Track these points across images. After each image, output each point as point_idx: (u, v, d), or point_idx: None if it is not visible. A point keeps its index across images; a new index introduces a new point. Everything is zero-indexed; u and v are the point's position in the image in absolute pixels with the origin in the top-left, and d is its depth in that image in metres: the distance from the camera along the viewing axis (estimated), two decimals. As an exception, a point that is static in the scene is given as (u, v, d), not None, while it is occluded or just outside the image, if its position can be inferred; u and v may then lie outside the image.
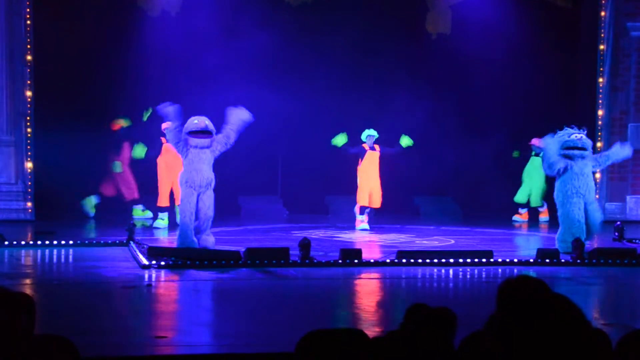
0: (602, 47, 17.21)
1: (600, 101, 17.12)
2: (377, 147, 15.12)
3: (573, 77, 17.80)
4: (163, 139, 14.59)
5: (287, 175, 17.77)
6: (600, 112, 17.13)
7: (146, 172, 14.90)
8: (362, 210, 15.10)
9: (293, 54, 16.75)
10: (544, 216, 16.64)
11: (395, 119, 15.72)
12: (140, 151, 15.03)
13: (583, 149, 11.82)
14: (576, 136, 11.86)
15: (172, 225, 14.43)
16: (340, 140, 14.97)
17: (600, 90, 17.19)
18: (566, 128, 12.02)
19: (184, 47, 16.32)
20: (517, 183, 16.62)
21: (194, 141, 11.16)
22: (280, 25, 16.47)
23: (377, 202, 15.16)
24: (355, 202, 15.25)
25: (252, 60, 16.07)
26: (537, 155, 16.24)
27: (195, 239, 11.20)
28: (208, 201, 11.25)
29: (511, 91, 17.21)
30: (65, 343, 3.42)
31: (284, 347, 5.88)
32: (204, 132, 11.14)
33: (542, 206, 16.61)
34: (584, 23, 17.66)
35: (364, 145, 15.05)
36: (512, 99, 17.12)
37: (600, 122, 16.86)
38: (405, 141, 15.02)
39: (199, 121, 11.21)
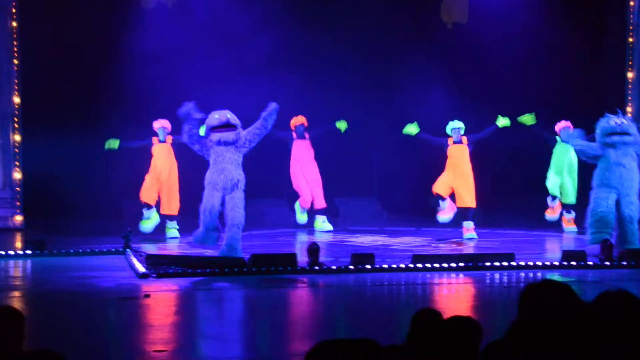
0: (630, 39, 17.15)
1: (629, 96, 17.06)
2: (464, 139, 14.48)
3: (600, 71, 17.68)
4: (155, 139, 14.47)
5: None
6: (629, 108, 17.06)
7: (140, 174, 14.67)
8: (469, 214, 14.29)
9: (301, 49, 16.65)
10: (570, 226, 15.35)
11: (408, 112, 15.60)
12: (113, 143, 14.32)
13: (624, 133, 11.54)
14: (615, 121, 11.61)
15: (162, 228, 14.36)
16: (412, 129, 14.40)
17: (630, 85, 17.14)
18: (607, 115, 11.81)
19: (179, 41, 16.21)
20: (541, 181, 16.02)
21: (215, 136, 10.92)
22: (286, 19, 16.38)
23: (467, 201, 14.28)
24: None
25: (254, 56, 16.00)
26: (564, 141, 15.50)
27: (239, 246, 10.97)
28: (232, 203, 10.91)
29: (533, 85, 16.98)
30: (58, 358, 3.42)
31: (291, 359, 5.88)
32: (227, 126, 10.98)
33: (569, 210, 15.40)
34: (611, 14, 17.54)
35: (449, 139, 14.51)
36: (534, 93, 16.86)
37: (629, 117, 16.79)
38: (503, 122, 14.41)
39: (220, 115, 11.05)
